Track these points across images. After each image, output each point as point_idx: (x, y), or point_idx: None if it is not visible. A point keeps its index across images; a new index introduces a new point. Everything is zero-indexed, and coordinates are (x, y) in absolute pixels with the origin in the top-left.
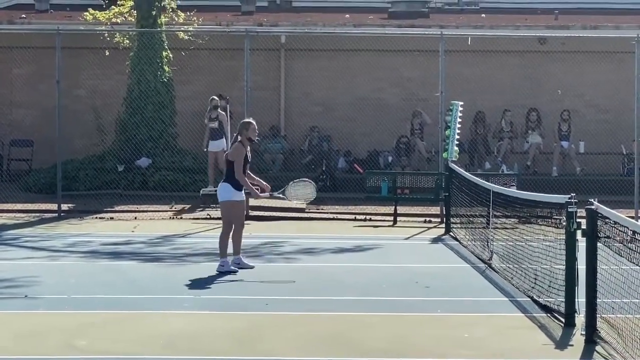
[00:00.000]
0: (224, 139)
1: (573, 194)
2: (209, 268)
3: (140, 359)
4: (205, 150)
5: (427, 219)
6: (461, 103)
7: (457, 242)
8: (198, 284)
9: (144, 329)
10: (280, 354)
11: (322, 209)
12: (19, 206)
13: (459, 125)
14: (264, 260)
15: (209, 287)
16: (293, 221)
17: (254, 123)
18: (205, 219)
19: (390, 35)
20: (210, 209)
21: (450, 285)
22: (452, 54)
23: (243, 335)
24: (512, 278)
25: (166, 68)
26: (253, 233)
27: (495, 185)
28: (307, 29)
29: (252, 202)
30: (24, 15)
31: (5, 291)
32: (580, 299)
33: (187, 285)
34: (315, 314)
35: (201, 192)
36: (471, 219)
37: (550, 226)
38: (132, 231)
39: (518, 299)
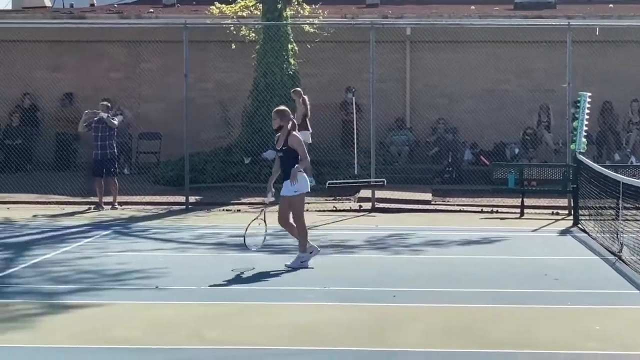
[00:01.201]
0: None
1: None
2: (335, 260)
3: (268, 349)
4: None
5: (555, 211)
6: (589, 94)
7: (586, 234)
8: (324, 275)
9: (271, 320)
10: (407, 345)
11: (447, 201)
12: (147, 198)
13: (586, 117)
14: (390, 252)
15: (336, 279)
16: (419, 213)
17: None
18: (332, 211)
19: (516, 26)
20: (336, 201)
21: (580, 277)
22: (580, 44)
23: (370, 326)
24: None
25: (292, 61)
26: (379, 225)
27: (625, 177)
28: (433, 21)
29: (379, 194)
30: (151, 10)
31: (135, 282)
32: None
33: (314, 276)
34: (442, 305)
35: (327, 184)
36: (600, 210)
37: None
38: (259, 224)
39: None
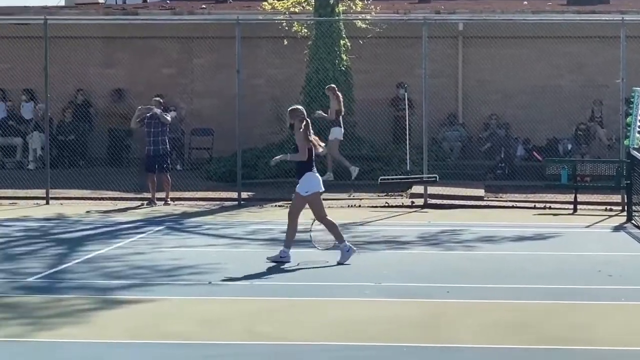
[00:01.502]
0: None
1: None
2: (388, 256)
3: (320, 345)
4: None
5: (608, 207)
6: None
7: None
8: (378, 271)
9: (325, 316)
10: (463, 341)
11: (500, 197)
12: (200, 194)
13: None
14: (443, 248)
15: (390, 275)
16: (471, 209)
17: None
18: (384, 207)
19: (570, 22)
20: (388, 197)
21: (634, 273)
22: (633, 39)
23: (425, 322)
24: None
25: (344, 57)
26: (432, 221)
27: None
28: (485, 16)
29: (431, 190)
30: (204, 6)
31: (189, 278)
32: None
33: (367, 272)
34: (496, 301)
35: (379, 180)
36: None
37: None
38: (311, 219)
39: None
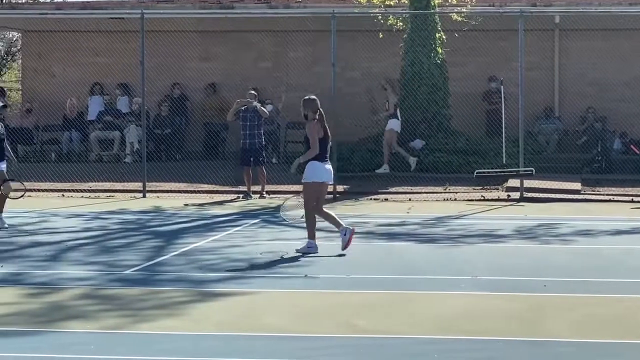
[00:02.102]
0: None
1: None
2: (484, 249)
3: (417, 338)
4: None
5: None
6: None
7: None
8: (474, 264)
9: (421, 309)
10: (560, 335)
11: (597, 191)
12: (295, 187)
13: None
14: (540, 242)
15: (486, 268)
16: (568, 203)
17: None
18: (480, 200)
19: None
20: (484, 191)
21: None
22: None
23: (522, 316)
24: None
25: (439, 50)
26: (528, 215)
27: None
28: (582, 9)
29: (527, 183)
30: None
31: (285, 270)
32: None
33: (463, 266)
34: (593, 295)
35: (475, 173)
36: None
37: None
38: (407, 212)
39: None
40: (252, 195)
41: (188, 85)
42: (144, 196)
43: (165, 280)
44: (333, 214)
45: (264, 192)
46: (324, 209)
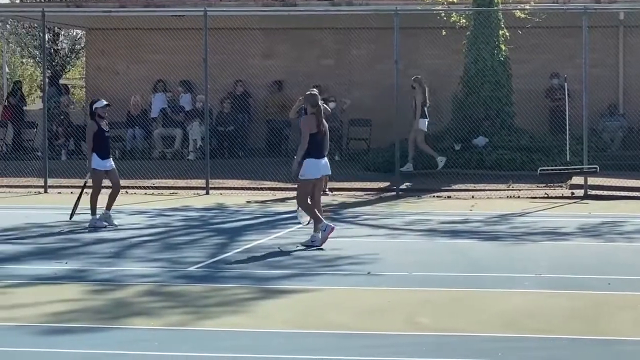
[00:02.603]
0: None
1: None
2: (547, 247)
3: (481, 336)
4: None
5: None
6: None
7: None
8: (538, 262)
9: (484, 307)
10: (624, 334)
11: None
12: (358, 184)
13: None
14: (604, 240)
15: (550, 266)
16: (633, 200)
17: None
18: (543, 197)
19: None
20: (547, 188)
21: None
22: None
23: (586, 314)
24: None
25: (502, 47)
26: (592, 212)
27: None
28: None
29: (591, 181)
30: None
31: (348, 268)
32: None
33: (526, 263)
34: None
35: (539, 171)
36: None
37: None
38: (470, 210)
39: None
40: None
41: (251, 83)
42: (207, 193)
43: (228, 277)
44: (317, 211)
45: (327, 189)
46: (309, 204)
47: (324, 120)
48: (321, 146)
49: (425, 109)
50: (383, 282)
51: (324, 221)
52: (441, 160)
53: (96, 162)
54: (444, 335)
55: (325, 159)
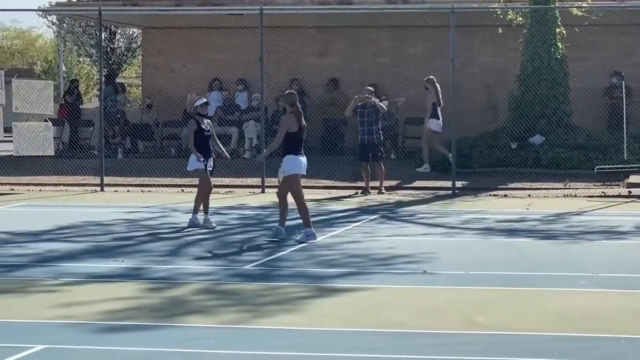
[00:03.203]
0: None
1: None
2: (606, 246)
3: (539, 336)
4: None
5: None
6: None
7: None
8: (595, 261)
9: (541, 306)
10: None
11: None
12: (414, 183)
13: None
14: None
15: (607, 265)
16: None
17: None
18: (600, 196)
19: None
20: (605, 187)
21: None
22: None
23: None
24: None
25: (559, 45)
26: None
27: None
28: None
29: None
30: None
31: (404, 266)
32: None
33: (583, 263)
34: None
35: (596, 169)
36: None
37: None
38: (527, 208)
39: None
40: (371, 191)
41: (306, 81)
42: (263, 191)
43: (284, 275)
44: (286, 210)
45: (383, 188)
46: (286, 202)
47: (302, 119)
48: (301, 144)
49: (439, 109)
50: (439, 281)
51: (283, 225)
52: (425, 168)
53: (194, 162)
54: (501, 334)
55: (304, 156)
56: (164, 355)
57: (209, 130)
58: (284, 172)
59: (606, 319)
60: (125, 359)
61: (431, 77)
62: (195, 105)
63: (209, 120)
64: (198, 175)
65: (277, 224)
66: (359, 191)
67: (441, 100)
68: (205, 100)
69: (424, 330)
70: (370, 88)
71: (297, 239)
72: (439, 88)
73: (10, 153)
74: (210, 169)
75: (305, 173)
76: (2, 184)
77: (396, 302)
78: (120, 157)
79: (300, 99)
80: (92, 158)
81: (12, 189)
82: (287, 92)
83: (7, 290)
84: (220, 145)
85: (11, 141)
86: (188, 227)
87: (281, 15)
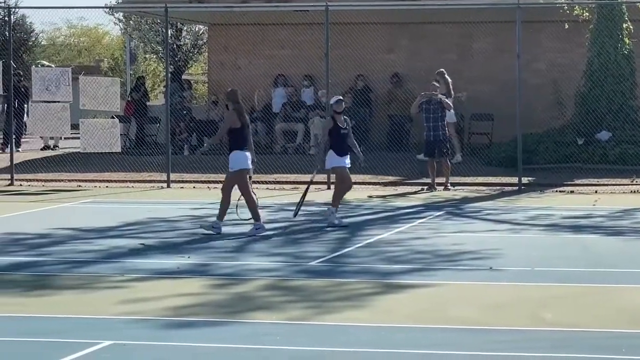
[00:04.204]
0: None
1: None
2: None
3: (606, 332)
4: None
5: None
6: None
7: None
8: None
9: (607, 302)
10: None
11: None
12: (479, 179)
13: None
14: None
15: None
16: None
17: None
18: None
19: None
20: None
21: None
22: None
23: None
24: None
25: (626, 40)
26: None
27: None
28: None
29: None
30: None
31: (470, 263)
32: None
33: None
34: None
35: None
36: None
37: None
38: (593, 205)
39: None
40: (436, 187)
41: (372, 77)
42: (329, 188)
43: (350, 272)
44: (228, 207)
45: (448, 184)
46: (229, 197)
47: (245, 115)
48: (246, 139)
49: (449, 100)
50: (505, 277)
51: (221, 221)
52: (458, 157)
53: (334, 159)
54: (567, 331)
55: (248, 152)
56: (231, 351)
57: (345, 128)
58: (231, 168)
59: None
60: (192, 355)
61: (441, 69)
62: (330, 103)
63: (346, 118)
64: (337, 172)
65: (215, 220)
66: (425, 187)
67: (452, 91)
68: (340, 97)
69: (489, 326)
70: (435, 84)
71: (247, 232)
72: (449, 80)
73: (78, 150)
74: (348, 166)
75: (251, 168)
76: (69, 180)
77: (461, 298)
78: (186, 154)
79: (365, 96)
80: (158, 154)
81: (79, 186)
82: (229, 89)
83: (75, 286)
84: (356, 144)
85: (78, 138)
86: (327, 224)
87: (346, 11)
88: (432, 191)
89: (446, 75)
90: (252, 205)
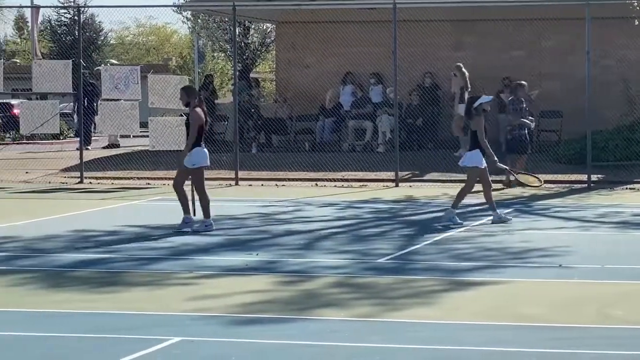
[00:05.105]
0: None
1: None
2: None
3: None
4: None
5: None
6: None
7: None
8: None
9: None
10: None
11: None
12: (548, 177)
13: None
14: None
15: None
16: None
17: None
18: None
19: None
20: None
21: None
22: None
23: None
24: None
25: None
26: None
27: None
28: None
29: None
30: None
31: (539, 260)
32: None
33: None
34: None
35: None
36: None
37: None
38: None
39: None
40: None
41: (440, 75)
42: (397, 185)
43: (418, 269)
44: (188, 198)
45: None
46: (185, 190)
47: (205, 110)
48: (202, 136)
49: (466, 93)
50: (575, 275)
51: (190, 215)
52: (460, 153)
53: (479, 158)
54: (637, 329)
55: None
56: (299, 348)
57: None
58: (193, 164)
59: None
60: (259, 351)
61: (458, 63)
62: (480, 102)
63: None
64: (483, 172)
65: (206, 218)
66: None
67: (469, 85)
68: (492, 97)
69: (558, 324)
70: (505, 81)
71: (196, 227)
72: (466, 73)
73: (147, 148)
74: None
75: (209, 164)
76: (138, 178)
77: (530, 296)
78: (254, 152)
79: (433, 93)
80: (227, 152)
81: (148, 184)
82: (187, 85)
83: (145, 283)
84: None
85: (147, 136)
86: (493, 221)
87: (413, 9)
88: (512, 187)
89: (463, 69)
90: (206, 203)
